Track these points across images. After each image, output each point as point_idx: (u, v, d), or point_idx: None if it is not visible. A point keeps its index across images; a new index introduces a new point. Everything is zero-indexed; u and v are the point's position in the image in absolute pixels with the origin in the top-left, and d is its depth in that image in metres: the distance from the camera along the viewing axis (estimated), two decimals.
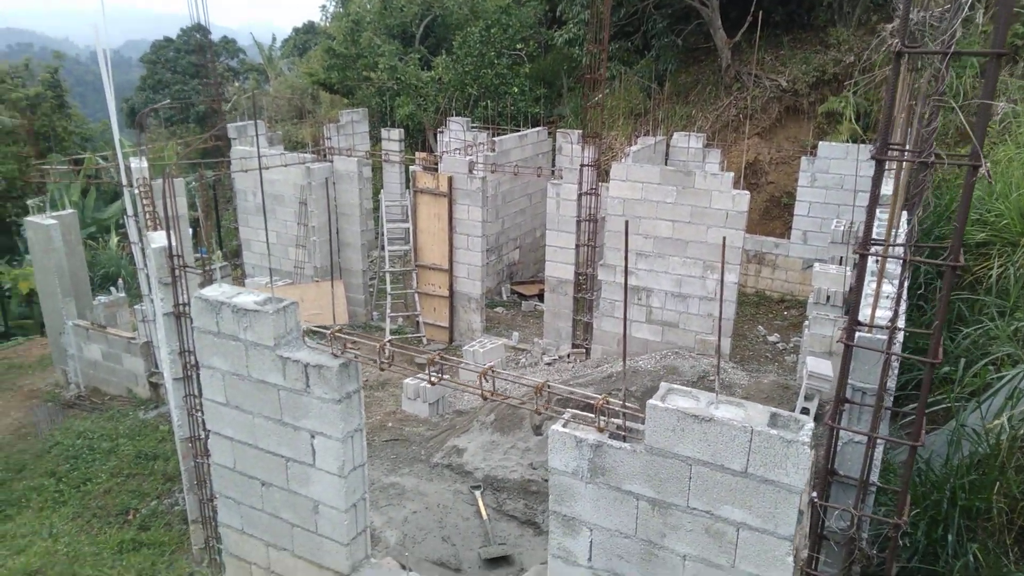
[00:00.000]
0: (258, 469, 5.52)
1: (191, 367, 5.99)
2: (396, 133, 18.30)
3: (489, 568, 7.23)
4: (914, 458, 3.22)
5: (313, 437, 5.17)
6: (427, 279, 13.50)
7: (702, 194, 10.80)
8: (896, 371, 3.37)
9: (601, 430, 4.05)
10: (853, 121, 15.87)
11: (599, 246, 12.01)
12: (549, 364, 12.02)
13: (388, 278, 13.29)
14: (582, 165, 11.49)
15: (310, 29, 46.32)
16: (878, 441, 3.45)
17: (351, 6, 24.23)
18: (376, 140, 20.18)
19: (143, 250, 10.16)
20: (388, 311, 13.22)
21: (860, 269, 3.07)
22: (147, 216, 7.06)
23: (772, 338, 13.48)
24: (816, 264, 11.60)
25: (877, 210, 3.06)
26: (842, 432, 3.62)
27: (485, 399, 4.54)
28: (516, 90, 19.43)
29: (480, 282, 13.00)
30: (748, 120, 16.32)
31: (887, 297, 4.31)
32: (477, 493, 8.28)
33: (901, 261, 3.13)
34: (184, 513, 7.79)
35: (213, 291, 5.33)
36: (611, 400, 4.04)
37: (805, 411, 8.41)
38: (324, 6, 26.43)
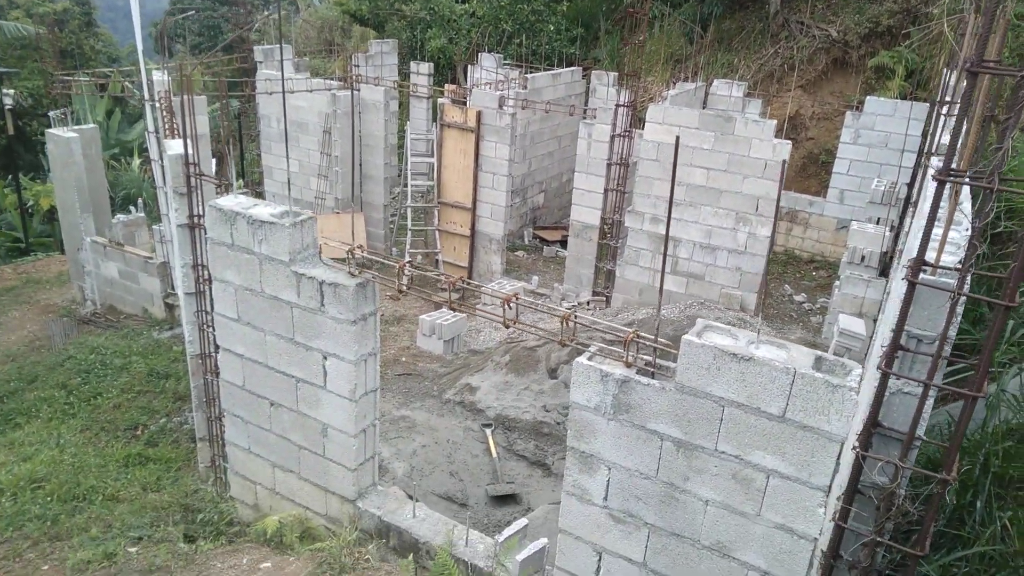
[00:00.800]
0: (268, 388, 5.37)
1: (204, 281, 5.80)
2: (425, 67, 17.77)
3: (496, 505, 7.12)
4: (972, 412, 2.94)
5: (325, 358, 4.98)
6: (449, 217, 13.21)
7: (742, 142, 10.33)
8: (959, 319, 3.07)
9: (629, 365, 3.81)
10: (903, 78, 15.14)
11: (628, 192, 11.62)
12: (571, 307, 11.75)
13: (410, 213, 13.02)
14: (617, 105, 11.02)
15: None
16: (930, 393, 3.17)
17: None
18: (405, 75, 19.66)
19: (163, 167, 9.94)
20: (408, 247, 12.98)
21: (936, 199, 2.74)
22: (167, 128, 6.79)
23: (798, 298, 13.11)
24: (853, 223, 11.16)
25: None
26: (890, 381, 3.34)
27: (507, 327, 4.30)
28: (552, 28, 18.74)
29: (503, 223, 12.69)
30: (794, 71, 15.62)
31: (958, 237, 3.97)
32: (488, 431, 8.14)
33: (981, 192, 2.80)
34: (192, 432, 7.74)
35: (228, 201, 5.10)
36: (642, 334, 3.78)
37: None
38: None
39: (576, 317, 4.07)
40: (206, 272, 5.86)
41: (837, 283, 11.32)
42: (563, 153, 16.12)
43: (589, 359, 3.90)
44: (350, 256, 4.73)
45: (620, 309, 11.65)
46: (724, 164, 10.54)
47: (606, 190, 11.71)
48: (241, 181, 18.06)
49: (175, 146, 5.90)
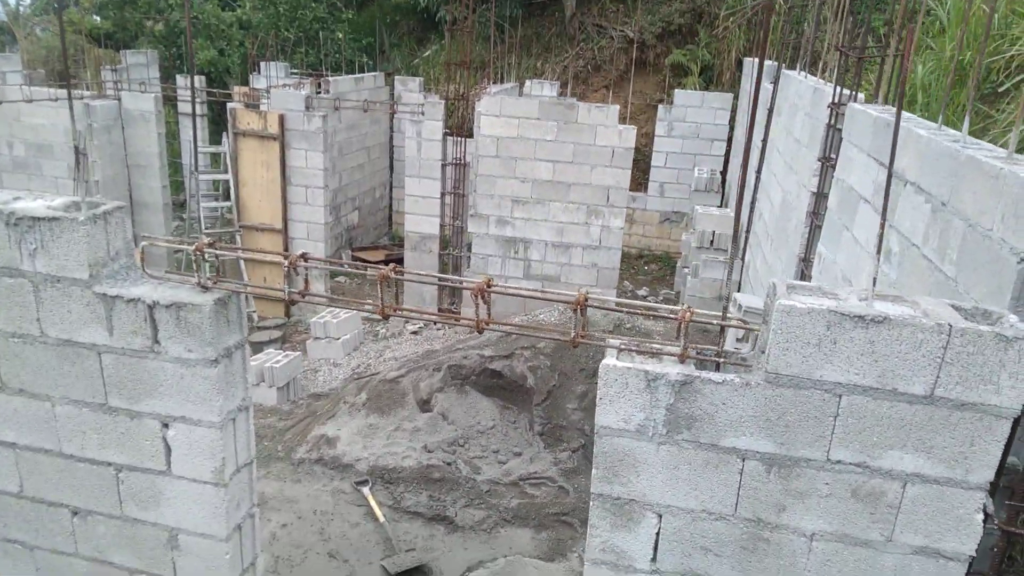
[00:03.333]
0: (66, 490, 3.41)
1: None
2: (197, 81, 15.39)
3: None
4: None
5: (166, 426, 3.19)
6: (255, 242, 11.18)
7: (586, 130, 9.67)
8: None
9: (684, 358, 2.60)
10: (698, 75, 15.70)
11: (467, 194, 10.50)
12: (415, 333, 10.34)
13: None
14: (447, 98, 9.88)
15: None
16: None
17: None
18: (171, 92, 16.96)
19: None
20: (174, 246, 10.71)
21: None
22: None
23: (641, 292, 12.84)
24: (697, 207, 10.99)
25: None
26: None
27: (480, 331, 2.90)
28: (340, 35, 17.20)
29: (324, 243, 10.96)
30: (598, 72, 15.58)
31: None
32: (365, 490, 6.49)
33: None
34: None
35: None
36: (700, 311, 2.59)
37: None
38: None
39: (588, 298, 2.77)
40: None
41: (686, 269, 11.09)
42: (373, 165, 14.64)
43: (619, 357, 2.64)
44: (198, 256, 3.04)
45: None
46: (570, 155, 9.81)
47: (443, 194, 10.48)
48: None
49: None
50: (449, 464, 6.67)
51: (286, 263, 3.03)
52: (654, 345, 2.69)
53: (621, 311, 2.69)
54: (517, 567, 5.65)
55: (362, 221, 14.51)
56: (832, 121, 6.04)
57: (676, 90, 14.13)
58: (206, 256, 3.07)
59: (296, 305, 11.29)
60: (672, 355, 2.62)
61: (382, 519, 6.15)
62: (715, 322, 2.59)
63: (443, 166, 10.37)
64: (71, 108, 2.69)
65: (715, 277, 9.83)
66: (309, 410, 8.28)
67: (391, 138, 15.24)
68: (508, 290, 2.95)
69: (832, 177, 5.81)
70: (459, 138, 10.76)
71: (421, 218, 10.80)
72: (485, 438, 6.94)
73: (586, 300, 2.71)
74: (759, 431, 2.55)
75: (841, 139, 5.68)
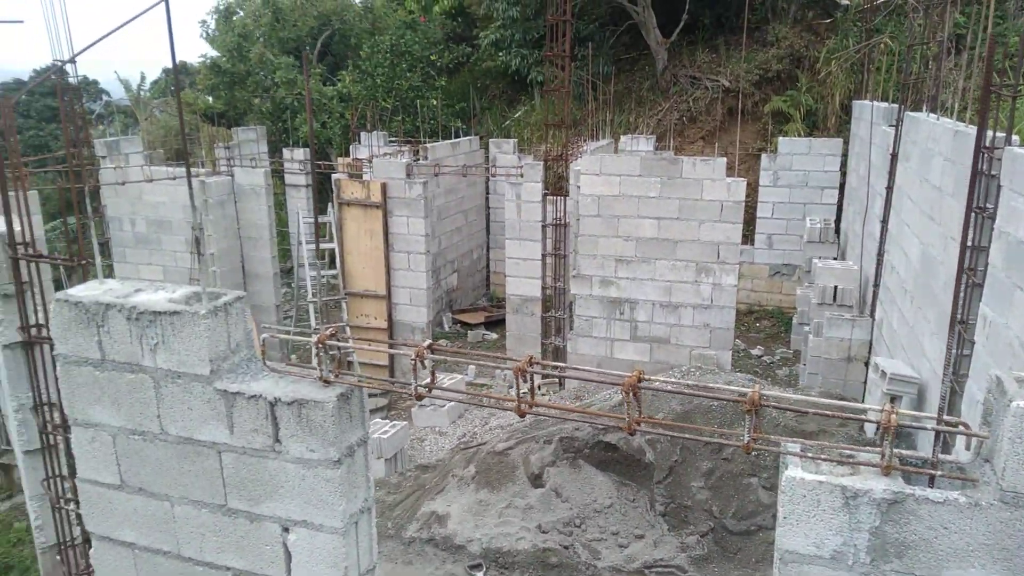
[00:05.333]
0: None
1: (55, 429, 3.62)
2: (300, 153, 16.04)
3: None
4: None
5: (286, 531, 2.97)
6: (359, 309, 11.26)
7: (692, 185, 9.28)
8: None
9: (889, 470, 2.16)
10: (801, 120, 15.08)
11: (568, 254, 10.25)
12: None
13: (312, 311, 10.94)
14: (547, 159, 9.74)
15: (182, 69, 42.94)
16: None
17: (237, 21, 21.81)
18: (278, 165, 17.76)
19: None
20: (315, 351, 10.82)
21: None
22: None
23: (755, 352, 12.10)
24: (815, 260, 10.32)
25: None
26: None
27: (631, 432, 2.54)
28: (434, 101, 17.62)
29: (426, 308, 10.92)
30: (694, 123, 15.22)
31: None
32: (479, 575, 6.12)
33: None
34: None
35: (90, 289, 3.09)
36: (905, 412, 2.15)
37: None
38: (204, 21, 23.71)
39: (762, 399, 2.37)
40: (56, 414, 3.69)
41: (806, 327, 10.36)
42: (471, 228, 14.68)
43: (805, 468, 2.22)
44: (321, 349, 2.85)
45: (578, 391, 10.03)
46: (675, 211, 9.42)
47: (544, 256, 10.26)
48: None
49: None
50: (566, 547, 6.23)
51: (412, 355, 2.79)
52: (846, 451, 2.26)
53: (802, 410, 2.23)
54: None
55: (461, 283, 14.49)
56: (983, 167, 5.43)
57: (780, 138, 13.56)
58: (328, 349, 2.88)
59: (399, 371, 11.24)
60: (872, 465, 2.18)
61: None
62: (931, 426, 2.13)
63: (543, 227, 10.18)
64: (190, 187, 2.64)
65: (842, 336, 9.09)
66: (417, 483, 8.04)
67: (487, 200, 15.29)
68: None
69: (990, 228, 5.19)
70: (558, 198, 10.58)
71: (522, 280, 10.60)
72: (603, 518, 6.47)
73: (760, 399, 2.30)
74: (993, 563, 2.06)
75: (999, 186, 5.08)
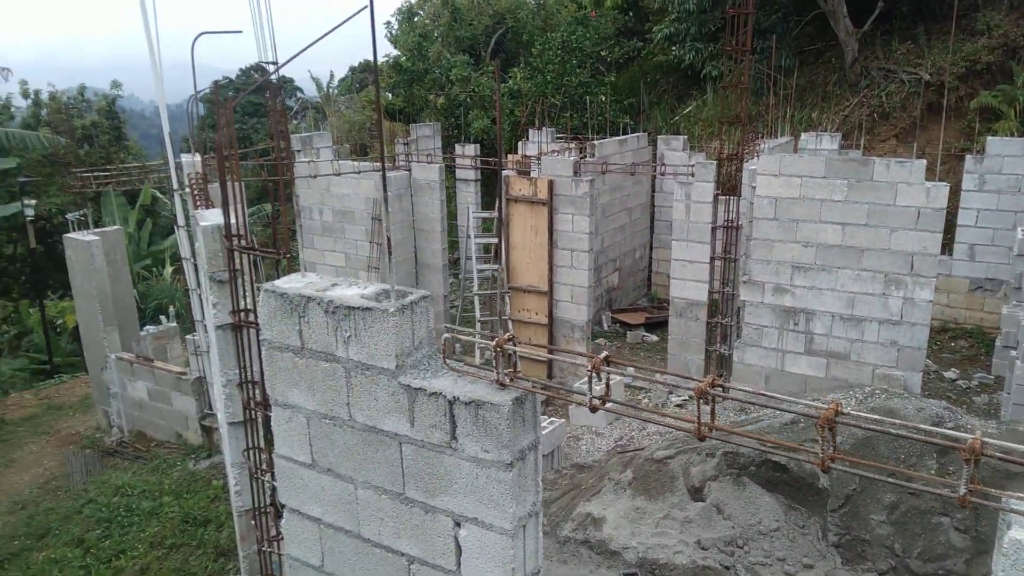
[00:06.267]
0: (361, 572, 3.44)
1: (256, 406, 3.98)
2: (471, 148, 16.56)
3: None
4: None
5: (458, 525, 3.07)
6: (521, 303, 11.45)
7: (883, 188, 8.54)
8: None
9: None
10: (1015, 118, 13.42)
11: (739, 258, 9.80)
12: (680, 406, 9.76)
13: (477, 302, 11.28)
14: (720, 157, 9.36)
15: (366, 68, 45.80)
16: None
17: (418, 22, 22.89)
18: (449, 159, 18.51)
19: (194, 264, 8.37)
20: (478, 342, 11.17)
21: None
22: (198, 201, 5.22)
23: (949, 374, 10.97)
24: None
25: None
26: None
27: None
28: (603, 97, 17.52)
29: (587, 306, 10.90)
30: (886, 120, 14.00)
31: None
32: None
33: None
34: None
35: (293, 282, 3.34)
36: None
37: None
38: (388, 22, 25.07)
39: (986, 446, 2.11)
40: (258, 391, 4.04)
41: (1013, 351, 9.23)
42: (635, 226, 14.46)
43: None
44: (498, 351, 2.90)
45: (744, 403, 9.58)
46: (863, 217, 8.72)
47: (712, 259, 9.89)
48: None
49: (210, 216, 4.23)
50: (727, 568, 5.97)
51: (589, 367, 2.77)
52: None
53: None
54: None
55: (622, 282, 14.33)
56: None
57: (989, 137, 12.13)
58: (505, 351, 2.92)
59: (558, 367, 11.32)
60: None
61: None
62: None
63: (713, 229, 9.81)
64: (384, 184, 2.78)
65: None
66: (573, 482, 8.06)
67: (652, 197, 14.99)
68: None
69: None
70: (729, 198, 10.14)
71: (688, 283, 10.29)
72: (768, 541, 6.13)
73: (982, 448, 2.05)
74: None
75: None
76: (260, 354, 3.64)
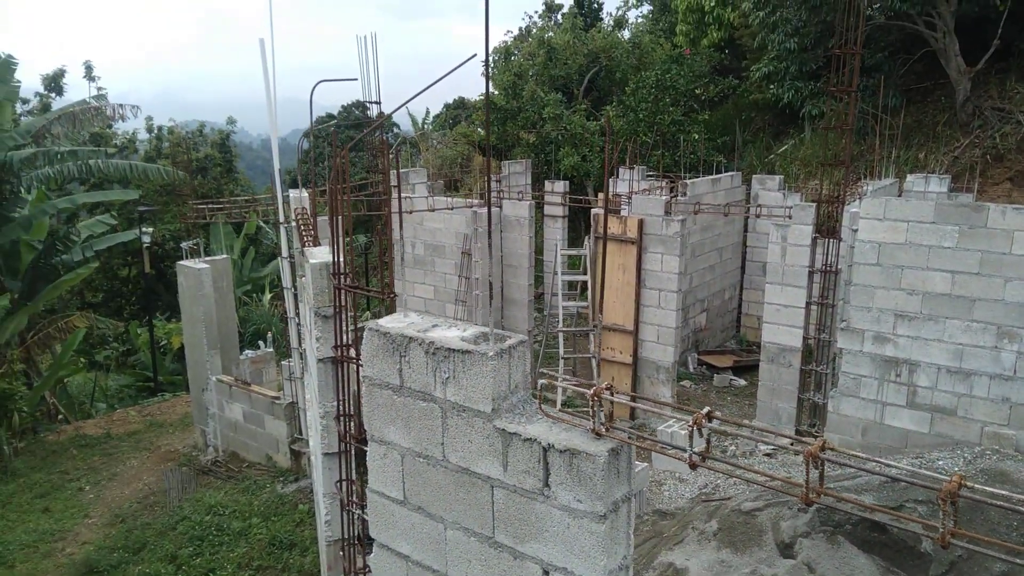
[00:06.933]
0: None
1: (350, 438, 4.10)
2: (560, 185, 16.70)
3: None
4: None
5: (547, 574, 3.04)
6: (606, 342, 11.36)
7: (998, 236, 8.07)
8: None
9: None
10: None
11: (836, 304, 9.43)
12: (769, 455, 9.39)
13: (561, 340, 11.27)
14: (819, 200, 9.09)
15: (460, 104, 47.03)
16: None
17: (514, 61, 23.42)
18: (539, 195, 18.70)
19: (295, 294, 8.75)
20: (561, 380, 11.12)
21: None
22: (305, 238, 5.49)
23: None
24: None
25: None
26: None
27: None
28: (696, 135, 17.36)
29: (673, 347, 10.71)
30: (997, 163, 13.28)
31: None
32: None
33: None
34: None
35: (396, 321, 3.44)
36: None
37: None
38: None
39: None
40: (353, 425, 4.16)
41: None
42: (725, 267, 14.16)
43: None
44: (595, 401, 2.89)
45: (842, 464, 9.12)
46: (975, 265, 8.25)
47: (808, 304, 9.56)
48: (368, 314, 17.12)
49: (318, 254, 4.43)
50: None
51: (691, 422, 2.72)
52: None
53: None
54: None
55: (709, 323, 14.02)
56: None
57: None
58: (602, 402, 2.91)
59: (640, 409, 11.13)
60: None
61: None
62: None
63: (809, 272, 9.49)
64: (489, 221, 2.83)
65: None
66: (655, 529, 7.87)
67: (744, 237, 14.67)
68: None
69: None
70: (828, 241, 9.80)
71: (781, 328, 9.96)
72: None
73: None
74: None
75: None
76: (359, 388, 3.76)
